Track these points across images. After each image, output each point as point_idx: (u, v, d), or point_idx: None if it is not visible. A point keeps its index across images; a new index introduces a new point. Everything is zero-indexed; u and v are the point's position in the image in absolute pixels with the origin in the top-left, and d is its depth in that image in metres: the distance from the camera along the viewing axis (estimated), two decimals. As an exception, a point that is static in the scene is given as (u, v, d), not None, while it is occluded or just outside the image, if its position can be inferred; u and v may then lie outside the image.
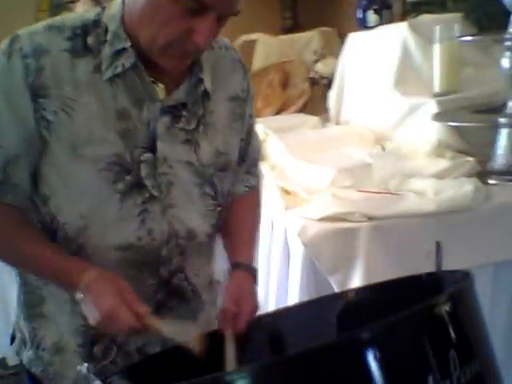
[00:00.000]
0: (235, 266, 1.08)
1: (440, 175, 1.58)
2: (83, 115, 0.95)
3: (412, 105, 1.89)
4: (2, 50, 0.94)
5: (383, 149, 1.89)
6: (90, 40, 0.96)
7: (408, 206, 1.41)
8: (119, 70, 0.94)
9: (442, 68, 1.88)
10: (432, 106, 1.81)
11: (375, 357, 0.68)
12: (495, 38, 1.72)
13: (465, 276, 0.81)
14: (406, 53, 1.99)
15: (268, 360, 0.82)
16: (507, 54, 1.63)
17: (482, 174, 1.62)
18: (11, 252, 1.03)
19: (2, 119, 0.95)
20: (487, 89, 1.86)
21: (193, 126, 1.03)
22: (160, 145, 1.00)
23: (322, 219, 1.42)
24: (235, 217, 1.15)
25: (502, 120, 1.65)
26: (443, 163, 1.62)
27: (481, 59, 1.97)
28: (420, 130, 1.80)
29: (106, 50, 0.94)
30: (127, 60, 0.94)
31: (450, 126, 1.72)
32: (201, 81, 1.01)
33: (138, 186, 0.99)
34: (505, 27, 1.72)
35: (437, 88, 1.89)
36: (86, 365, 0.72)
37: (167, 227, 1.02)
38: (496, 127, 1.67)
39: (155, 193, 1.00)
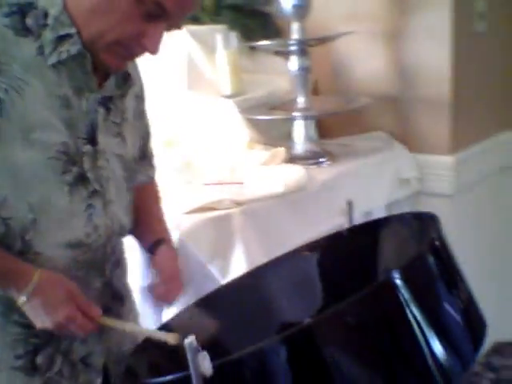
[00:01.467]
0: (158, 242, 1.10)
1: (265, 164, 1.76)
2: (32, 98, 0.89)
3: (209, 106, 2.03)
4: None
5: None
6: (29, 21, 0.89)
7: (264, 189, 1.55)
8: (64, 56, 0.89)
9: (226, 73, 2.06)
10: (229, 106, 1.99)
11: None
12: (280, 44, 1.96)
13: (434, 218, 0.98)
14: (191, 59, 2.11)
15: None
16: (293, 57, 1.89)
17: (291, 161, 1.86)
18: None
19: None
20: (265, 90, 2.13)
21: (119, 119, 1.02)
22: (100, 137, 0.97)
23: (192, 211, 1.46)
24: (145, 201, 1.16)
25: (296, 114, 1.92)
26: (263, 154, 1.80)
27: (253, 65, 2.22)
28: (227, 129, 1.95)
29: (48, 35, 0.88)
30: (73, 47, 0.89)
31: (253, 121, 1.92)
32: (128, 75, 1.02)
33: (82, 178, 0.95)
34: (265, 37, 2.02)
35: (226, 91, 2.06)
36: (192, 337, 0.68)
37: (109, 223, 1.00)
38: (292, 120, 1.93)
39: (97, 187, 0.97)
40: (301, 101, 1.92)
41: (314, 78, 2.02)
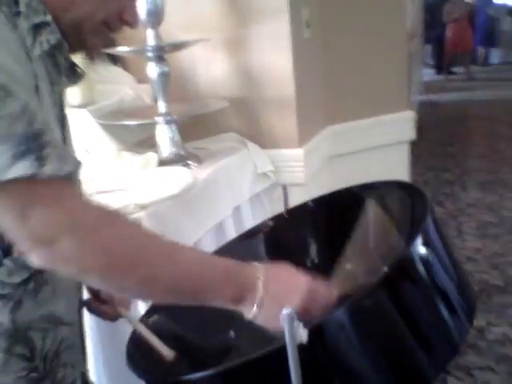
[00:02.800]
0: None
1: (142, 169, 1.72)
2: (45, 96, 0.79)
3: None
4: None
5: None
6: (4, 8, 0.77)
7: (162, 192, 1.52)
8: (46, 46, 0.80)
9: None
10: (85, 116, 1.89)
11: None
12: (139, 50, 1.92)
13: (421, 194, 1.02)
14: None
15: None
16: (150, 64, 1.88)
17: (161, 165, 1.84)
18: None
19: None
20: (114, 98, 2.08)
21: None
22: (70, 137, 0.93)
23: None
24: None
25: (159, 119, 1.90)
26: (136, 159, 1.76)
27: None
28: (90, 138, 1.85)
29: (23, 24, 0.78)
30: (51, 36, 0.80)
31: (111, 128, 1.86)
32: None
33: None
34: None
35: (75, 101, 1.96)
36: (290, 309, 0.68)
37: None
38: (155, 124, 1.91)
39: None
40: (161, 106, 1.92)
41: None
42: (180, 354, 0.91)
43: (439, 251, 0.92)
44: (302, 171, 2.15)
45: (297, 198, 2.17)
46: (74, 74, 0.91)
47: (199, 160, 1.94)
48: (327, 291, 0.82)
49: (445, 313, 0.90)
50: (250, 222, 2.09)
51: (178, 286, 0.76)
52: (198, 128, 2.13)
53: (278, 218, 1.23)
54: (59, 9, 0.80)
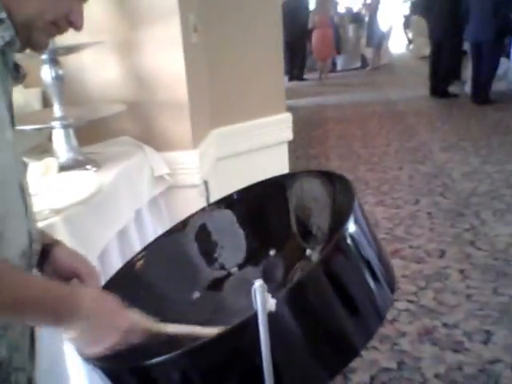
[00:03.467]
0: (51, 244, 1.02)
1: (44, 174, 1.67)
2: None
3: None
4: None
5: None
6: None
7: (73, 196, 1.49)
8: (0, 43, 0.80)
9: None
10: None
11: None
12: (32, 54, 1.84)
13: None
14: None
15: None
16: (45, 67, 1.82)
17: (61, 169, 1.79)
18: None
19: None
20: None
21: None
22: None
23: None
24: None
25: (55, 123, 1.85)
26: (36, 165, 1.70)
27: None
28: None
29: None
30: (5, 32, 0.81)
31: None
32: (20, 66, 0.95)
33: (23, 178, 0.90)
34: None
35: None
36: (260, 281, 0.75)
37: (34, 226, 0.94)
38: (50, 129, 1.85)
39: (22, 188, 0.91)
40: (57, 110, 1.86)
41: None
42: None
43: (364, 229, 1.03)
44: (198, 172, 2.20)
45: (193, 199, 2.22)
46: (18, 73, 0.90)
47: (98, 165, 1.92)
48: (141, 332, 0.89)
49: (372, 284, 1.00)
50: (149, 226, 2.10)
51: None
52: (91, 132, 2.09)
53: (202, 212, 1.27)
54: (13, 6, 0.80)
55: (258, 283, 0.76)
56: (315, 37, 10.45)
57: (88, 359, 0.88)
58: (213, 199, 2.46)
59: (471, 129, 6.14)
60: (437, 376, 2.15)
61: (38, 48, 0.88)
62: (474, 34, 7.18)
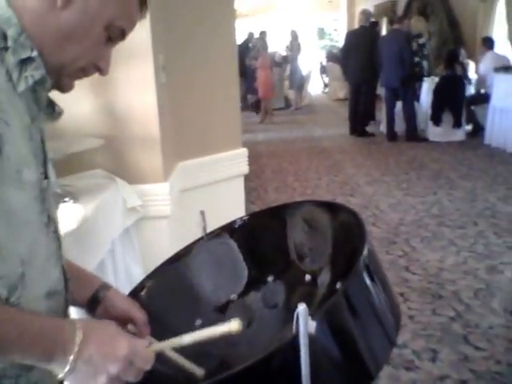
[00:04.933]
0: (103, 288, 1.01)
1: None
2: (16, 131, 0.77)
3: None
4: None
5: None
6: None
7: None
8: (30, 82, 0.79)
9: None
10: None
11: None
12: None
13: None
14: None
15: None
16: None
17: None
18: None
19: None
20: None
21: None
22: (50, 170, 0.88)
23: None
24: None
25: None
26: None
27: None
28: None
29: (10, 59, 0.77)
30: (36, 71, 0.80)
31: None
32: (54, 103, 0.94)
33: (49, 218, 0.85)
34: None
35: None
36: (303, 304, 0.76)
37: (64, 265, 0.92)
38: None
39: (53, 228, 0.88)
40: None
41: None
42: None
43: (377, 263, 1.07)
44: (168, 204, 2.19)
45: (163, 230, 2.20)
46: (53, 111, 0.89)
47: (75, 197, 1.86)
48: (145, 354, 0.80)
49: (381, 309, 1.03)
50: (121, 256, 2.05)
51: None
52: (65, 165, 2.03)
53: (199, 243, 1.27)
54: (47, 49, 0.79)
55: (302, 307, 0.78)
56: (259, 77, 10.38)
57: None
58: (177, 230, 2.44)
59: (390, 165, 6.46)
60: (394, 393, 2.22)
61: (65, 90, 0.87)
62: (386, 80, 7.79)
